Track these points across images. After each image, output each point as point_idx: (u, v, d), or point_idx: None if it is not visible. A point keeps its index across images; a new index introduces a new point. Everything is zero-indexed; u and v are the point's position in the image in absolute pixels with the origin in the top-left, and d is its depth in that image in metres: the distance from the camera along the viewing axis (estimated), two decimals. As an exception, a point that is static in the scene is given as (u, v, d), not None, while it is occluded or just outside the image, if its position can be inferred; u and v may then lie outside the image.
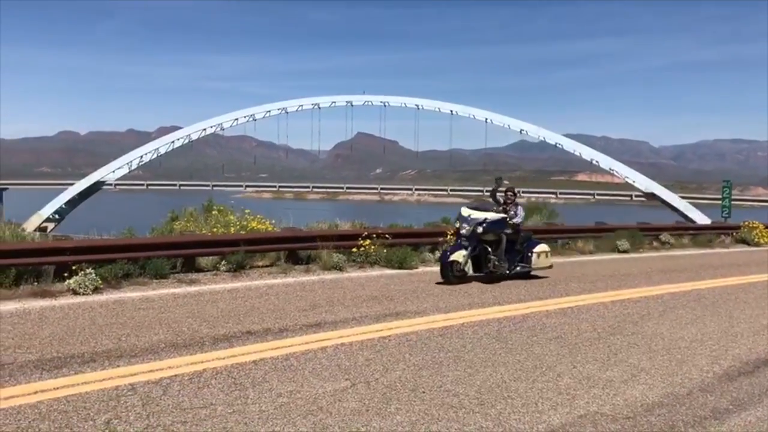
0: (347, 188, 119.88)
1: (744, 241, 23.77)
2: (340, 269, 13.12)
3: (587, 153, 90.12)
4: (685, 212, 76.45)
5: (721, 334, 8.31)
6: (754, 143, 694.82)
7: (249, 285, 11.16)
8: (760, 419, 5.21)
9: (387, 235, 14.51)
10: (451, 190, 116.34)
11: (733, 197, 39.17)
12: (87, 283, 9.87)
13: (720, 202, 36.77)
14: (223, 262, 12.38)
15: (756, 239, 23.63)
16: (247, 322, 8.14)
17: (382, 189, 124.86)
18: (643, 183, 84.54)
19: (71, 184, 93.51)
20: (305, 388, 5.57)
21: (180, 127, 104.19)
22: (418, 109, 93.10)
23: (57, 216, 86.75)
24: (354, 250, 14.02)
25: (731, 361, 6.97)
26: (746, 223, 24.89)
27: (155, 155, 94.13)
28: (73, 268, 10.23)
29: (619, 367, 6.61)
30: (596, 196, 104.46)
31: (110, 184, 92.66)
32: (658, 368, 6.60)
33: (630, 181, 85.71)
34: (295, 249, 13.74)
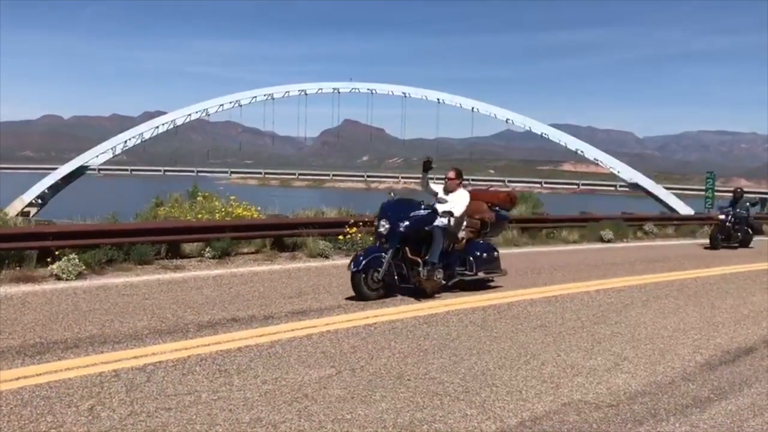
0: (334, 176, 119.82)
1: (726, 232, 23.94)
2: (326, 257, 13.11)
3: (572, 143, 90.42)
4: (669, 203, 77.07)
5: (703, 323, 8.39)
6: (738, 135, 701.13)
7: (234, 272, 11.12)
8: (740, 408, 5.27)
9: (373, 223, 14.47)
10: (437, 179, 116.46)
11: (716, 188, 39.49)
12: (70, 269, 9.79)
13: (704, 193, 37.08)
14: (208, 249, 12.32)
15: (738, 230, 23.81)
16: (232, 308, 8.11)
17: (368, 177, 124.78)
18: (628, 173, 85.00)
19: (54, 169, 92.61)
20: (290, 375, 5.57)
21: (165, 112, 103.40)
22: (405, 97, 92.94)
23: (40, 201, 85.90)
24: (340, 237, 14.00)
25: (713, 351, 7.04)
26: (729, 213, 25.04)
27: (139, 140, 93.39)
28: (56, 253, 10.14)
29: (602, 355, 6.66)
30: (581, 186, 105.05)
31: (94, 169, 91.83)
32: (641, 357, 6.66)
33: (615, 172, 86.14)
34: (280, 236, 13.70)
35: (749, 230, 20.08)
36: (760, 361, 6.74)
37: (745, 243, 19.76)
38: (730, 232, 19.43)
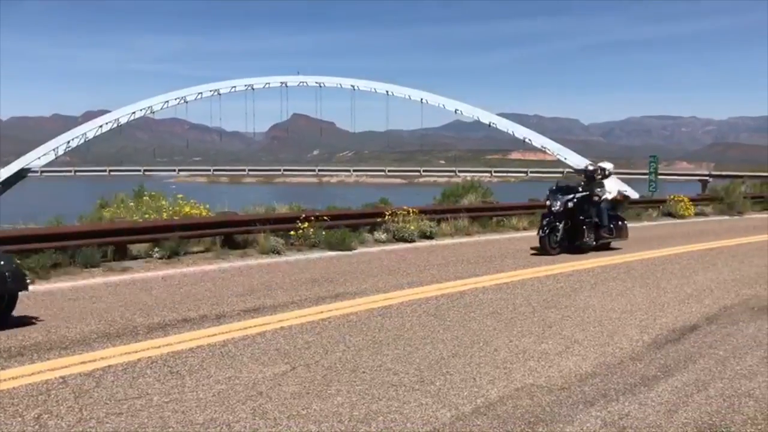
0: (284, 171, 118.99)
1: (670, 214, 24.65)
2: (278, 253, 13.01)
3: (520, 132, 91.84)
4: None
5: (649, 304, 8.62)
6: (679, 119, 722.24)
7: (184, 271, 10.95)
8: (685, 384, 5.44)
9: (325, 217, 14.46)
10: (388, 171, 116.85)
11: (659, 172, 40.55)
12: (12, 275, 9.46)
13: (647, 176, 38.05)
14: (156, 249, 12.10)
15: (681, 212, 24.53)
16: (182, 309, 7.99)
17: (320, 171, 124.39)
18: (574, 160, 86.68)
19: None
20: (244, 374, 5.51)
21: (108, 111, 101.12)
22: (354, 89, 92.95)
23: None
24: (292, 233, 13.92)
25: (659, 330, 7.24)
26: (672, 196, 25.79)
27: (83, 140, 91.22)
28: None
29: (553, 339, 6.79)
30: (529, 174, 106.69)
31: (36, 171, 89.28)
32: (591, 339, 6.81)
33: (562, 158, 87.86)
34: (230, 233, 13.53)
35: (600, 223, 13.92)
36: (703, 337, 6.97)
37: (597, 240, 13.91)
38: (576, 228, 13.50)
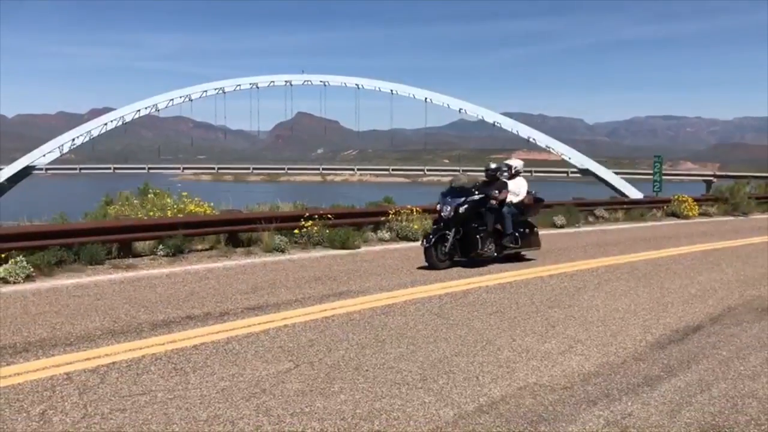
0: (288, 169, 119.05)
1: (674, 214, 24.62)
2: (282, 251, 13.03)
3: (524, 131, 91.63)
4: (619, 187, 78.76)
5: (653, 304, 8.62)
6: (683, 119, 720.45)
7: (188, 269, 10.97)
8: (688, 384, 5.44)
9: (329, 216, 14.47)
10: (392, 170, 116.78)
11: (663, 172, 40.48)
12: (18, 271, 9.54)
13: (651, 177, 38.01)
14: (161, 247, 12.13)
15: (685, 212, 24.49)
16: (186, 306, 8.01)
17: (323, 169, 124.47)
18: (579, 159, 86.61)
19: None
20: (248, 371, 5.53)
21: (113, 109, 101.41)
22: (359, 88, 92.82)
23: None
24: (296, 231, 13.94)
25: (662, 330, 7.24)
26: (676, 196, 25.73)
27: (88, 138, 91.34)
28: (3, 256, 9.86)
29: (556, 339, 6.79)
30: (533, 173, 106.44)
31: (41, 169, 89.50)
32: (594, 339, 6.81)
33: (566, 158, 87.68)
34: (235, 231, 13.56)
35: (504, 231, 12.00)
36: (707, 338, 6.96)
37: (501, 250, 11.95)
38: (469, 237, 11.42)
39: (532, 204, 12.97)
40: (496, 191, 11.98)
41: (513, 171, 12.83)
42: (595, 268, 11.55)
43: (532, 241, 12.57)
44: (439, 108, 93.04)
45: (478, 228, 11.48)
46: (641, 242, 15.84)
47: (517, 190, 12.61)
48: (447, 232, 11.26)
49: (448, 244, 11.23)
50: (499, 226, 11.97)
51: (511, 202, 12.31)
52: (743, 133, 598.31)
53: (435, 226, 11.76)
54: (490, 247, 11.68)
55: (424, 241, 11.27)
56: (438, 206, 11.76)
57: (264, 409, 4.71)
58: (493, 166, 12.65)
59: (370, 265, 11.62)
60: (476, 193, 11.67)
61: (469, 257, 11.57)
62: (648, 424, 4.58)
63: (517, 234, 12.13)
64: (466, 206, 11.42)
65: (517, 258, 12.27)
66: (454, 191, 11.73)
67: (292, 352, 6.11)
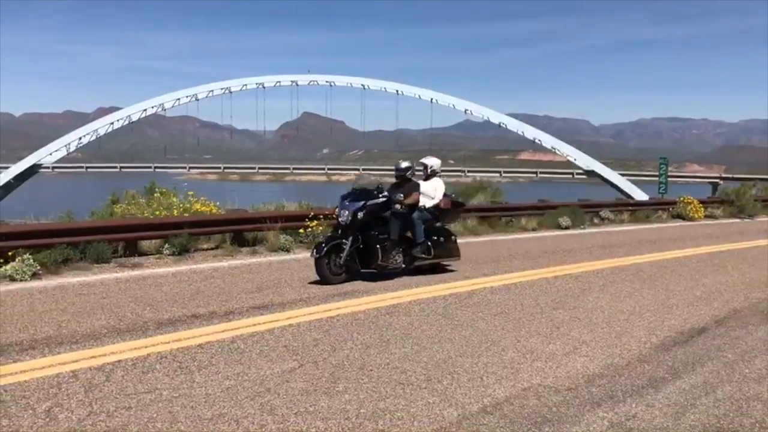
0: (294, 169, 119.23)
1: (680, 216, 24.58)
2: (288, 250, 13.06)
3: (530, 132, 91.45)
4: (625, 189, 78.57)
5: (657, 306, 8.60)
6: (689, 121, 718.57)
7: (194, 268, 11.01)
8: (693, 386, 5.43)
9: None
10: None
11: (669, 174, 40.39)
12: (24, 269, 9.59)
13: (657, 178, 37.93)
14: (167, 246, 12.16)
15: (691, 214, 24.45)
16: (192, 305, 8.04)
17: (329, 169, 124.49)
18: (584, 161, 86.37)
19: (6, 168, 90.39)
20: (252, 370, 5.55)
21: (120, 108, 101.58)
22: (364, 88, 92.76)
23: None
24: (301, 231, 13.96)
25: (667, 332, 7.23)
26: (682, 198, 25.69)
27: (94, 137, 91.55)
28: (9, 254, 9.91)
29: (561, 340, 6.78)
30: (539, 175, 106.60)
31: (47, 167, 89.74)
32: (599, 340, 6.80)
33: (571, 159, 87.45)
34: (240, 231, 13.59)
35: (414, 239, 10.65)
36: (712, 340, 6.95)
37: (411, 262, 10.62)
38: (369, 246, 10.01)
39: (450, 208, 11.53)
40: (401, 195, 10.52)
41: (429, 171, 11.50)
42: (599, 270, 11.53)
43: (449, 250, 11.12)
44: (444, 108, 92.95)
45: (378, 236, 10.06)
46: (646, 244, 15.81)
47: (432, 192, 11.21)
48: (343, 240, 9.84)
49: (343, 255, 9.73)
50: (410, 234, 10.67)
51: (423, 206, 10.94)
52: (750, 135, 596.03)
53: (331, 234, 10.58)
54: (396, 258, 10.33)
55: (315, 251, 9.70)
56: (336, 211, 10.37)
57: (268, 408, 4.72)
58: (403, 165, 11.14)
59: (374, 265, 11.60)
60: (380, 196, 10.26)
61: (371, 269, 10.09)
62: (652, 426, 4.57)
63: (429, 243, 10.69)
64: (365, 211, 9.96)
65: (433, 269, 10.90)
66: (354, 194, 10.28)
67: (297, 352, 6.13)
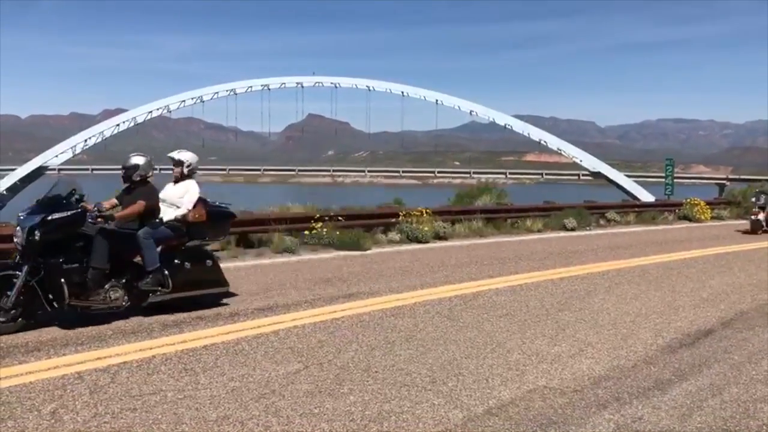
0: (299, 171, 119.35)
1: (686, 218, 24.49)
2: (293, 252, 13.06)
3: (536, 133, 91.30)
4: (631, 190, 78.30)
5: (664, 307, 8.57)
6: (695, 123, 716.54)
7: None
8: (700, 388, 5.41)
9: (339, 217, 14.50)
10: (403, 172, 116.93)
11: (675, 175, 40.29)
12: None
13: (663, 180, 37.84)
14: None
15: (697, 215, 24.36)
16: (196, 306, 8.02)
17: (334, 171, 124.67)
18: (590, 162, 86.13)
19: (12, 170, 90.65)
20: (257, 372, 5.54)
21: (125, 110, 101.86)
22: (369, 90, 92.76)
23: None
24: (306, 232, 13.98)
25: (673, 334, 7.20)
26: (688, 200, 25.61)
27: (100, 139, 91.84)
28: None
29: (566, 342, 6.76)
30: (545, 176, 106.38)
31: (53, 169, 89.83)
32: (605, 342, 6.77)
33: (577, 161, 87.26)
34: (245, 232, 13.60)
35: (144, 266, 7.50)
36: (719, 342, 6.91)
37: (141, 300, 7.50)
38: (52, 279, 6.84)
39: (207, 221, 8.17)
40: (104, 205, 7.69)
41: (184, 169, 8.43)
42: (605, 271, 11.49)
43: (202, 279, 7.95)
44: (449, 110, 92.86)
45: (63, 264, 6.87)
46: (652, 245, 15.75)
47: (177, 199, 8.15)
48: (16, 271, 6.78)
49: (14, 291, 6.68)
50: (140, 259, 7.53)
51: (160, 219, 7.87)
52: (756, 136, 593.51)
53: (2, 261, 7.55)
54: (110, 294, 7.15)
55: None
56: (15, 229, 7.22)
57: (273, 409, 4.72)
58: (133, 160, 8.00)
59: (380, 266, 11.61)
60: (72, 205, 7.15)
61: (68, 309, 6.91)
62: (659, 429, 4.55)
63: (166, 271, 7.52)
64: (46, 228, 6.84)
65: (196, 304, 7.81)
66: (40, 204, 7.17)
67: (302, 353, 6.12)
